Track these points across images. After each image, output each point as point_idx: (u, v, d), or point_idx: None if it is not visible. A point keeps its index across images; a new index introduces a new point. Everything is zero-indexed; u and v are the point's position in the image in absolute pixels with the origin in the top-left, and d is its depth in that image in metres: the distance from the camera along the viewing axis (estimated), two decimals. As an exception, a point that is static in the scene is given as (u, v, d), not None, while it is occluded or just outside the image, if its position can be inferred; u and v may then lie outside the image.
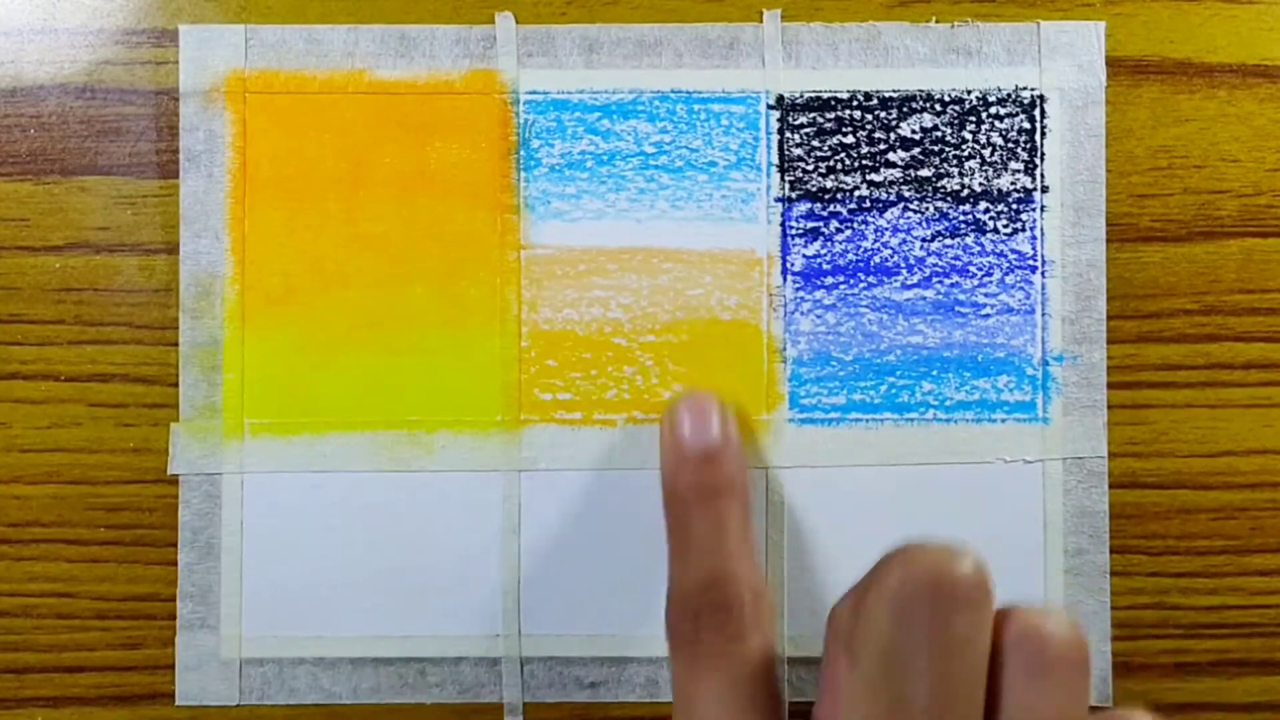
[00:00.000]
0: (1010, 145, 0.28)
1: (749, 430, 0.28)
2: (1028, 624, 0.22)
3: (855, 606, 0.22)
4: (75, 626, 0.28)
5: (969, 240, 0.28)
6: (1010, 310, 0.28)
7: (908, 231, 0.28)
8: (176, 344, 0.28)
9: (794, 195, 0.28)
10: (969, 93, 0.28)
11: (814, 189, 0.28)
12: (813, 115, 0.28)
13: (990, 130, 0.28)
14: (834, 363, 0.28)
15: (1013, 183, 0.28)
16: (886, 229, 0.28)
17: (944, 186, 0.28)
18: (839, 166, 0.28)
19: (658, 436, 0.27)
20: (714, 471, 0.25)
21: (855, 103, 0.28)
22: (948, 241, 0.28)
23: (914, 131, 0.28)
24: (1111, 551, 0.28)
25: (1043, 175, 0.28)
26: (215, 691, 0.28)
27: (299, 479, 0.28)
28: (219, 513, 0.28)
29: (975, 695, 0.21)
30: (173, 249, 0.28)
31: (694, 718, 0.24)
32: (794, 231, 0.28)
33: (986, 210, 0.28)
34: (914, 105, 0.28)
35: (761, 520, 0.28)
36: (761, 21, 0.28)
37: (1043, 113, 0.28)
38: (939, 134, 0.28)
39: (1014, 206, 0.28)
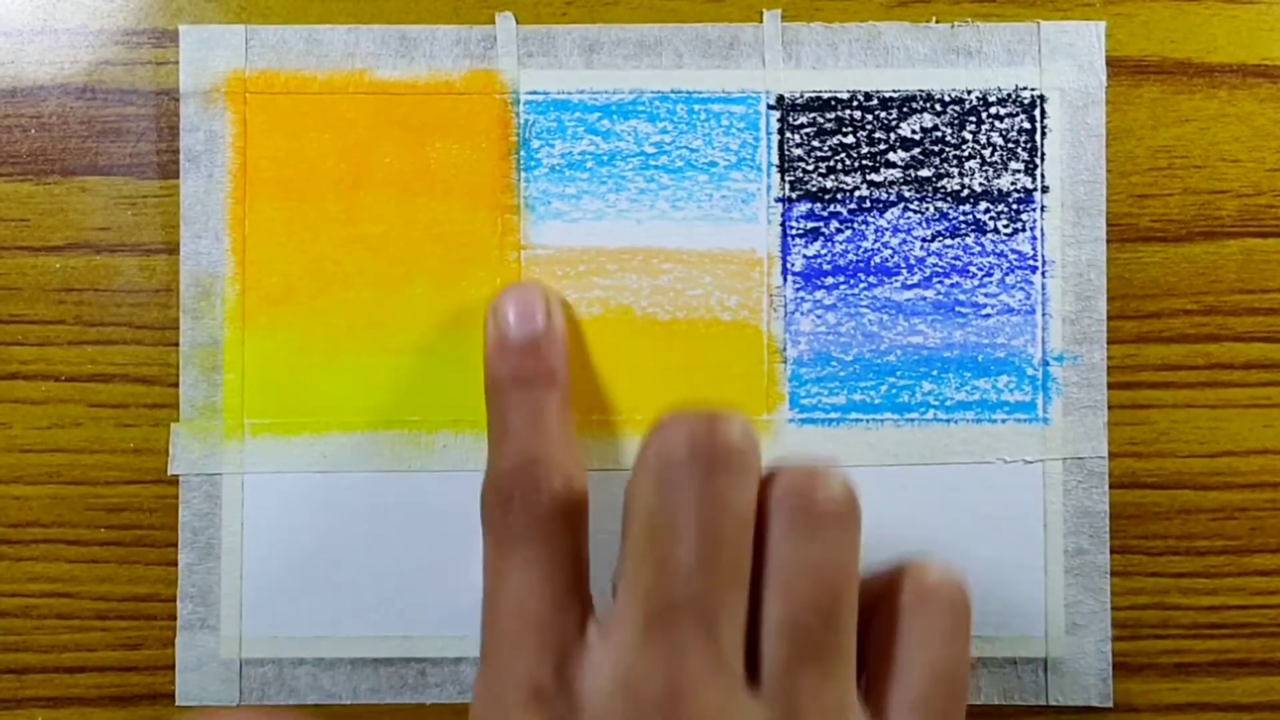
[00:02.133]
0: (1010, 145, 0.28)
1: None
2: (792, 480, 0.22)
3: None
4: (75, 627, 0.28)
5: (969, 240, 0.28)
6: (1010, 310, 0.28)
7: (908, 231, 0.28)
8: (177, 344, 0.28)
9: (794, 195, 0.28)
10: (969, 93, 0.28)
11: (814, 189, 0.28)
12: (813, 115, 0.28)
13: (990, 130, 0.28)
14: (834, 363, 0.28)
15: (1013, 183, 0.28)
16: (887, 229, 0.28)
17: (944, 186, 0.28)
18: (839, 166, 0.28)
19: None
20: (534, 360, 0.25)
21: (855, 103, 0.28)
22: (948, 241, 0.28)
23: (914, 131, 0.28)
24: (1111, 552, 0.28)
25: (1043, 175, 0.28)
26: (215, 692, 0.28)
27: (299, 479, 0.28)
28: (219, 513, 0.28)
29: (741, 555, 0.21)
30: (173, 249, 0.28)
31: (501, 596, 0.23)
32: (794, 231, 0.28)
33: (987, 210, 0.28)
34: (914, 105, 0.28)
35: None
36: (761, 21, 0.28)
37: (1043, 113, 0.28)
38: (939, 134, 0.28)
39: (1014, 206, 0.28)
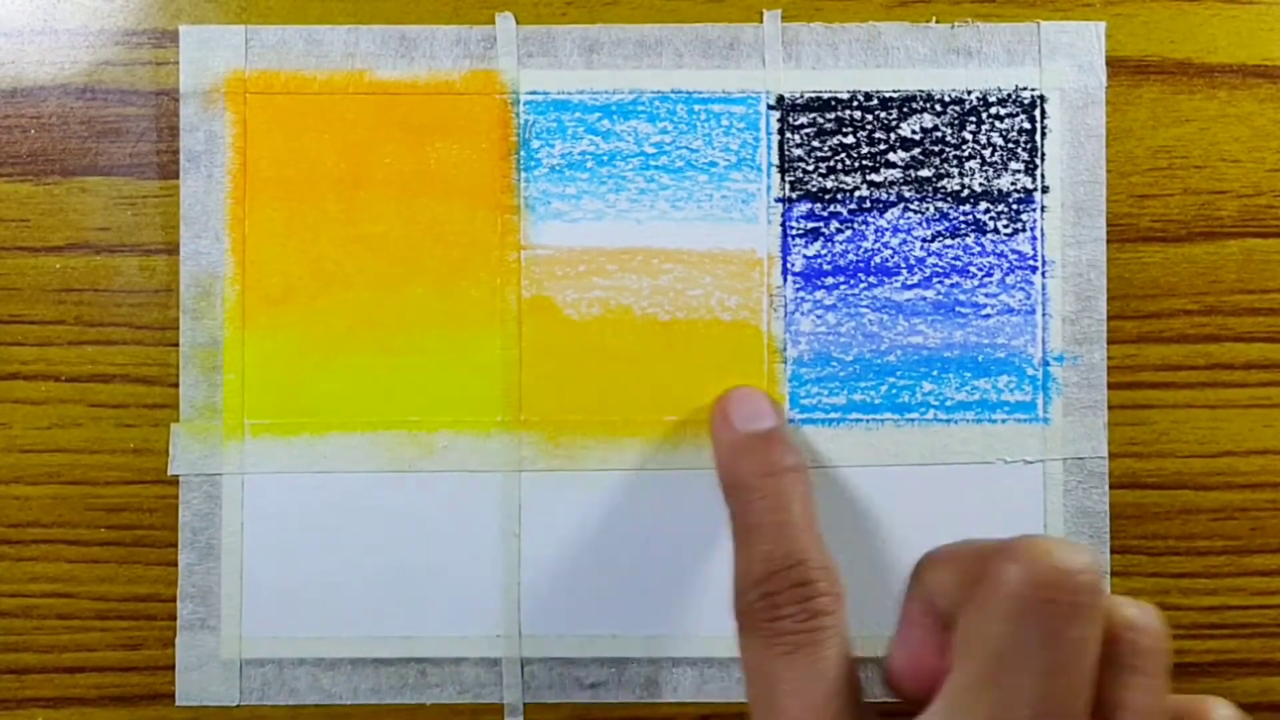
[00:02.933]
0: (1010, 145, 0.28)
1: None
2: (1121, 618, 0.22)
3: (961, 583, 0.22)
4: (75, 627, 0.28)
5: (969, 240, 0.28)
6: (1010, 310, 0.28)
7: (908, 232, 0.28)
8: (177, 344, 0.28)
9: (794, 195, 0.28)
10: (969, 93, 0.28)
11: (814, 189, 0.28)
12: (813, 115, 0.28)
13: (990, 130, 0.28)
14: (834, 363, 0.28)
15: (1013, 183, 0.28)
16: (887, 229, 0.28)
17: (944, 187, 0.28)
18: (839, 167, 0.28)
19: (653, 438, 0.27)
20: (772, 451, 0.25)
21: (855, 103, 0.28)
22: (948, 242, 0.28)
23: (914, 132, 0.28)
24: (1112, 552, 0.28)
25: (1043, 175, 0.28)
26: (215, 692, 0.28)
27: (299, 479, 0.28)
28: (219, 513, 0.28)
29: (1083, 700, 0.21)
30: (173, 249, 0.28)
31: (778, 702, 0.23)
32: (794, 232, 0.28)
33: (987, 210, 0.28)
34: (914, 105, 0.28)
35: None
36: (761, 22, 0.28)
37: (1043, 113, 0.28)
38: (939, 134, 0.28)
39: (1014, 207, 0.28)
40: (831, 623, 0.23)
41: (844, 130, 0.28)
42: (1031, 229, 0.28)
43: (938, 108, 0.28)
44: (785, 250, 0.28)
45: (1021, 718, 0.20)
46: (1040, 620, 0.20)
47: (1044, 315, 0.28)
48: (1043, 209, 0.28)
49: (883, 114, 0.28)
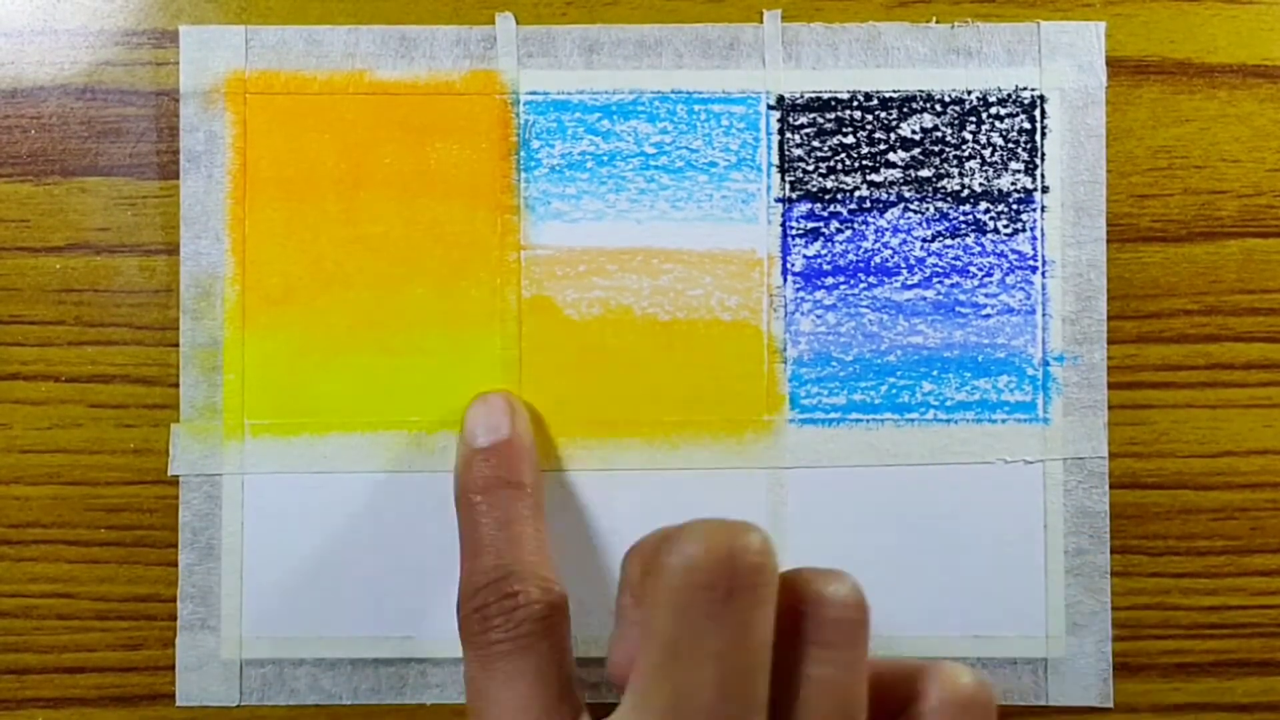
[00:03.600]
0: (1010, 145, 0.28)
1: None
2: (806, 592, 0.22)
3: (644, 574, 0.22)
4: (75, 627, 0.28)
5: (969, 240, 0.28)
6: (1010, 310, 0.28)
7: (908, 232, 0.28)
8: (177, 344, 0.28)
9: (794, 195, 0.28)
10: (969, 93, 0.28)
11: (814, 189, 0.28)
12: (813, 115, 0.28)
13: (990, 130, 0.28)
14: (834, 363, 0.28)
15: (1013, 183, 0.28)
16: (887, 229, 0.28)
17: (944, 187, 0.28)
18: (839, 167, 0.28)
19: (653, 438, 0.27)
20: (502, 466, 0.26)
21: (855, 103, 0.28)
22: (948, 242, 0.28)
23: (914, 132, 0.28)
24: (1112, 552, 0.28)
25: (1043, 175, 0.28)
26: (215, 692, 0.28)
27: (299, 479, 0.28)
28: (219, 513, 0.28)
29: (761, 680, 0.21)
30: (173, 249, 0.28)
31: (489, 712, 0.23)
32: (794, 232, 0.28)
33: (987, 210, 0.28)
34: (914, 105, 0.28)
35: (764, 520, 0.28)
36: (761, 22, 0.28)
37: (1043, 113, 0.28)
38: (939, 134, 0.28)
39: (1014, 207, 0.28)
40: (541, 629, 0.23)
41: (844, 130, 0.28)
42: (1031, 229, 0.28)
43: (938, 108, 0.28)
44: (785, 250, 0.28)
45: (699, 703, 0.20)
46: (702, 607, 0.21)
47: (1044, 315, 0.28)
48: (1043, 209, 0.28)
49: (883, 114, 0.28)
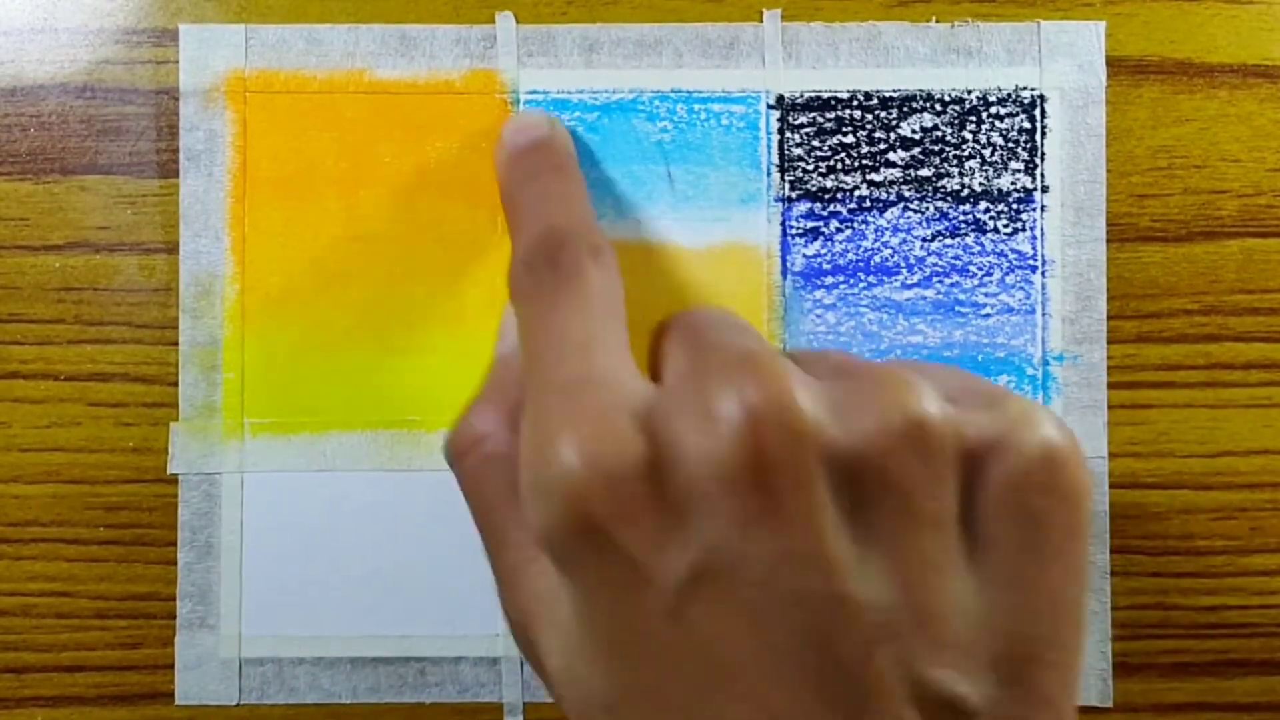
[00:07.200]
0: (1010, 145, 0.28)
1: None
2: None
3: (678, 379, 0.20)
4: (75, 626, 0.28)
5: (969, 240, 0.28)
6: (1010, 310, 0.28)
7: (908, 231, 0.28)
8: (176, 344, 0.28)
9: (794, 195, 0.28)
10: (969, 93, 0.28)
11: (814, 189, 0.28)
12: (813, 115, 0.28)
13: (990, 130, 0.28)
14: (834, 362, 0.28)
15: (1013, 182, 0.28)
16: (886, 229, 0.28)
17: (944, 186, 0.28)
18: (839, 166, 0.28)
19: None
20: (541, 155, 0.26)
21: (855, 103, 0.28)
22: (948, 241, 0.28)
23: (914, 131, 0.28)
24: (1111, 551, 0.28)
25: (1043, 175, 0.28)
26: (215, 691, 0.28)
27: (299, 478, 0.28)
28: (218, 512, 0.28)
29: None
30: (173, 249, 0.28)
31: (549, 343, 0.21)
32: (794, 231, 0.28)
33: (987, 210, 0.28)
34: (914, 105, 0.28)
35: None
36: (761, 21, 0.28)
37: (1043, 113, 0.28)
38: (939, 134, 0.28)
39: (1014, 206, 0.28)
40: (598, 269, 0.22)
41: (844, 130, 0.28)
42: (1031, 229, 0.28)
43: (938, 107, 0.28)
44: (785, 249, 0.28)
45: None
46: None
47: (1044, 315, 0.28)
48: (1043, 209, 0.28)
49: (883, 114, 0.28)
